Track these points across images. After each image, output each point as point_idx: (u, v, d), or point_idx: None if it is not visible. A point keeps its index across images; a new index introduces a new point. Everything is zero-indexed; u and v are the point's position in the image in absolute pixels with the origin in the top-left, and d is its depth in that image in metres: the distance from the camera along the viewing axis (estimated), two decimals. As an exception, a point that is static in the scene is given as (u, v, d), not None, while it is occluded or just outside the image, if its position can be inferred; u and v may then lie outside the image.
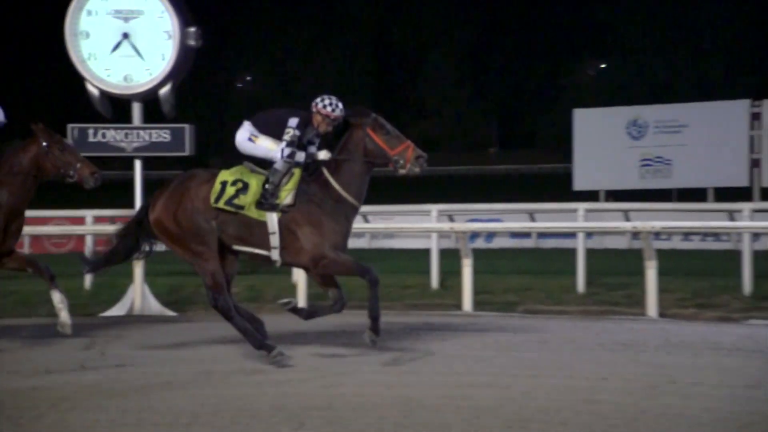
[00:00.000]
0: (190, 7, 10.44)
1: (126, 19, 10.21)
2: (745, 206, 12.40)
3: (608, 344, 7.64)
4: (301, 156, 6.88)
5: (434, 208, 13.83)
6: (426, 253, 11.91)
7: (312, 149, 6.99)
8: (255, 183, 6.81)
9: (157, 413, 5.31)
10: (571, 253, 11.55)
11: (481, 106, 47.50)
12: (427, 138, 48.47)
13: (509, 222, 14.91)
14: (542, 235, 17.37)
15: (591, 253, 11.92)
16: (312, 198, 6.82)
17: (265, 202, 6.76)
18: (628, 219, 14.45)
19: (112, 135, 10.03)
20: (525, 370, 6.51)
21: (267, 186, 6.77)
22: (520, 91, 46.17)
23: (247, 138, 7.03)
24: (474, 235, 14.66)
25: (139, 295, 10.18)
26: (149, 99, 10.42)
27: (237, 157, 7.34)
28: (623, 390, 5.81)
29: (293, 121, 6.86)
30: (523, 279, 11.24)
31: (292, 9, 47.06)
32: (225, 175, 6.89)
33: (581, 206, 13.32)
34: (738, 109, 20.13)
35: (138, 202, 9.92)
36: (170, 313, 10.29)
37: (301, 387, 6.04)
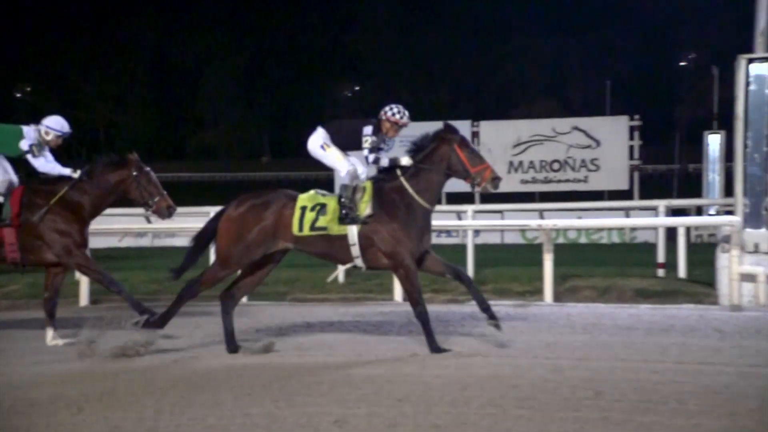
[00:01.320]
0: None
1: None
2: (469, 208, 13.05)
3: (362, 325, 7.79)
4: (385, 161, 6.56)
5: (213, 210, 13.44)
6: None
7: (382, 154, 6.63)
8: (332, 203, 6.44)
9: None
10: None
11: (255, 119, 47.24)
12: (205, 147, 47.47)
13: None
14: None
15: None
16: (386, 206, 6.42)
17: (346, 217, 6.34)
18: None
19: None
20: (291, 351, 6.50)
21: (343, 201, 6.36)
22: (289, 106, 46.37)
23: (320, 145, 6.65)
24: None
25: None
26: None
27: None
28: (374, 363, 5.94)
29: (368, 129, 6.55)
30: (291, 272, 11.21)
31: (72, 23, 44.38)
32: (303, 201, 6.50)
33: (341, 208, 13.51)
34: (462, 128, 21.21)
35: None
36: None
37: (81, 374, 5.68)
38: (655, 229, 12.25)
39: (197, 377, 5.53)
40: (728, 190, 14.14)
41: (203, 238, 6.86)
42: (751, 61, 9.05)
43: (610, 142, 20.55)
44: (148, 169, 7.44)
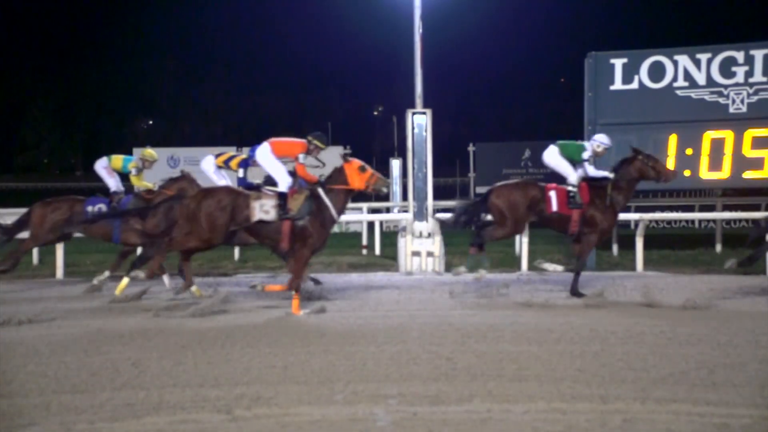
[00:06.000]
0: None
1: None
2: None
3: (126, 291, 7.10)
4: None
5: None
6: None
7: None
8: None
9: None
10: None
11: (71, 143, 42.81)
12: (30, 164, 42.10)
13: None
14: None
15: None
16: None
17: None
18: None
19: None
20: (70, 314, 5.89)
21: None
22: (98, 133, 42.26)
23: None
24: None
25: None
26: None
27: None
28: (163, 319, 5.56)
29: None
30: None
31: None
32: None
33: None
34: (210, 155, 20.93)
35: None
36: None
37: None
38: (361, 222, 12.79)
39: None
40: (404, 196, 15.24)
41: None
42: (414, 113, 9.87)
43: (331, 163, 21.16)
44: (653, 155, 6.83)
